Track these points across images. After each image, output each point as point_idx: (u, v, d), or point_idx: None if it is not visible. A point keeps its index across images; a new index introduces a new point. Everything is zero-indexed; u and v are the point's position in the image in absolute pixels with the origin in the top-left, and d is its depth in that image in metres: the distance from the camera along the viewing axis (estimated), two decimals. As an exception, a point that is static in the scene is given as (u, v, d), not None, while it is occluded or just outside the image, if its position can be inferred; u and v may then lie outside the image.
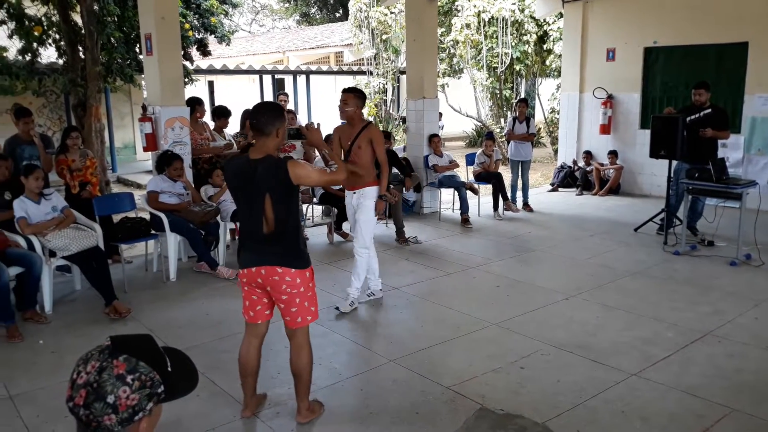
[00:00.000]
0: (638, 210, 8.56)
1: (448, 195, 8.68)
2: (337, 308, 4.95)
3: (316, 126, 3.79)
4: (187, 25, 10.18)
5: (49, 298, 5.02)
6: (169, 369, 1.29)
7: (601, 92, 10.18)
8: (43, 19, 9.87)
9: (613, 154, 10.00)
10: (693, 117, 6.79)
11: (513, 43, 14.09)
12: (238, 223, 6.31)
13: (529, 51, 14.29)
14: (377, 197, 4.92)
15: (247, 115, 7.64)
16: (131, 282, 5.68)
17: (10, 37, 9.91)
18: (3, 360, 4.15)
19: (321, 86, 18.73)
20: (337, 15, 31.75)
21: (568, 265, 6.28)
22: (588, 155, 10.39)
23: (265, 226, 3.06)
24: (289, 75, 18.14)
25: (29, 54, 9.92)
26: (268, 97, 17.47)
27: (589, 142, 10.59)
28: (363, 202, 4.91)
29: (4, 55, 9.48)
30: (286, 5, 34.63)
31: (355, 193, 4.96)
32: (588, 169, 10.27)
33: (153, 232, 5.84)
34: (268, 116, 3.04)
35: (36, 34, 9.57)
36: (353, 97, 4.76)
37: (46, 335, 4.57)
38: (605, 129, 10.19)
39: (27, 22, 9.58)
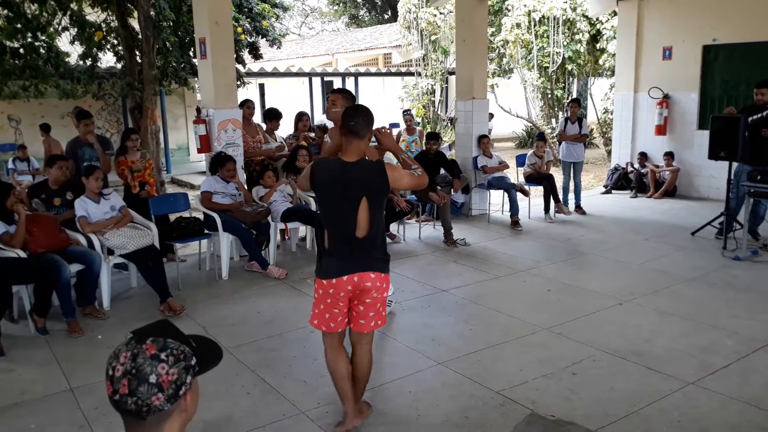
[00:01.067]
0: (695, 213, 8.28)
1: (497, 197, 8.58)
2: None
3: (388, 129, 3.66)
4: (239, 29, 10.39)
5: (107, 295, 5.19)
6: (193, 344, 1.33)
7: (657, 92, 9.90)
8: (102, 24, 10.23)
9: (669, 155, 9.71)
10: (755, 117, 6.54)
11: (564, 43, 13.86)
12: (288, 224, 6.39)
13: (582, 50, 14.03)
14: None
15: (300, 117, 7.75)
16: (185, 280, 5.82)
17: (72, 42, 10.31)
18: (64, 353, 4.31)
19: (369, 88, 18.82)
20: (386, 17, 31.85)
21: (621, 270, 6.13)
22: (643, 157, 10.11)
23: (359, 230, 2.99)
24: (338, 77, 18.29)
25: (90, 59, 10.29)
26: (318, 99, 17.67)
27: (644, 143, 10.31)
28: None
29: (66, 60, 9.84)
30: (335, 8, 34.94)
31: None
32: (643, 171, 10.00)
33: (206, 231, 5.97)
34: (365, 119, 2.99)
35: (97, 39, 9.91)
36: (342, 98, 4.41)
37: (104, 330, 4.72)
38: (661, 130, 9.90)
39: (88, 28, 9.94)
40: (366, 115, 3.02)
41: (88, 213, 5.15)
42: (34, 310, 4.63)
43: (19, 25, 8.86)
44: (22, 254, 4.63)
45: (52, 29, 9.62)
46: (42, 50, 9.32)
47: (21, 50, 9.13)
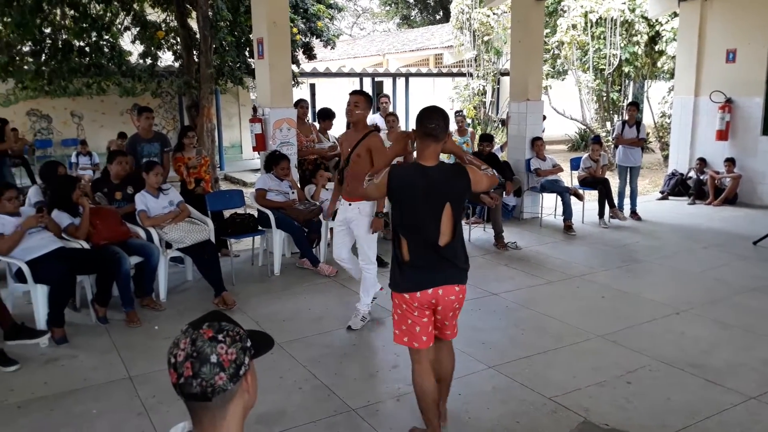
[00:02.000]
0: (757, 222, 7.98)
1: (550, 200, 8.45)
2: (349, 327, 4.66)
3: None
4: (294, 30, 10.53)
5: (164, 287, 5.33)
6: (245, 329, 1.38)
7: (719, 96, 9.57)
8: (162, 24, 10.54)
9: (730, 161, 9.38)
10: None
11: (622, 44, 13.54)
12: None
13: (639, 52, 13.67)
14: (374, 215, 4.55)
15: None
16: (238, 275, 5.93)
17: (133, 42, 10.66)
18: (123, 342, 4.45)
19: (420, 88, 18.79)
20: (437, 17, 31.76)
21: (679, 278, 5.95)
22: (702, 162, 9.79)
23: (442, 237, 2.83)
24: (388, 77, 18.33)
25: (150, 58, 10.61)
26: (368, 99, 17.72)
27: (704, 148, 9.99)
28: (359, 218, 4.54)
29: (128, 58, 10.18)
30: (387, 8, 35.03)
31: (351, 205, 4.55)
32: (702, 177, 9.69)
33: (260, 228, 6.07)
34: (444, 122, 2.85)
35: (157, 38, 10.21)
36: (363, 99, 4.44)
37: (160, 321, 4.86)
38: (722, 135, 9.57)
39: (149, 28, 10.26)
40: (445, 117, 2.87)
41: (147, 207, 5.31)
42: (95, 299, 4.80)
43: (85, 25, 9.20)
44: (86, 246, 4.81)
45: (115, 29, 9.97)
46: (106, 49, 9.65)
47: (87, 49, 9.48)
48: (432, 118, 2.83)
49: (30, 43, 9.06)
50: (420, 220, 2.81)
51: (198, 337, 1.29)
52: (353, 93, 4.53)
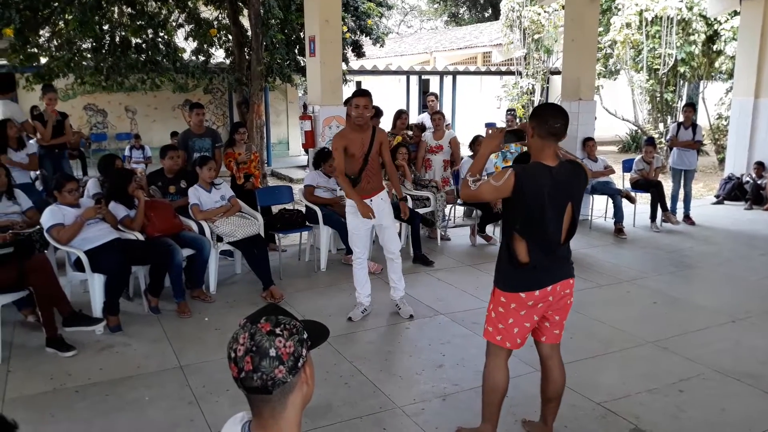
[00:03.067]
0: (820, 229, 7.66)
1: (600, 202, 8.28)
2: (411, 316, 4.83)
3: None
4: (344, 27, 10.58)
5: (214, 280, 5.44)
6: (301, 320, 1.40)
7: (781, 97, 9.22)
8: (215, 22, 10.74)
9: (791, 166, 9.03)
10: None
11: (678, 44, 13.16)
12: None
13: (696, 52, 13.27)
14: (401, 200, 4.92)
15: (399, 115, 7.79)
16: (285, 270, 6.01)
17: (186, 39, 10.89)
18: (174, 332, 4.56)
19: (467, 87, 18.67)
20: (486, 15, 31.48)
21: (735, 285, 5.76)
22: (760, 166, 9.45)
23: (563, 235, 2.83)
24: (435, 75, 18.27)
25: (202, 54, 10.83)
26: (414, 97, 17.73)
27: (763, 152, 9.64)
28: (385, 206, 4.69)
29: (181, 55, 10.41)
30: (435, 6, 34.91)
31: (372, 200, 4.62)
32: (760, 181, 9.35)
33: (307, 224, 6.13)
34: (567, 121, 2.79)
35: (211, 35, 10.41)
36: (370, 101, 4.47)
37: (210, 313, 4.96)
38: (783, 138, 9.22)
39: (203, 25, 10.47)
40: (567, 117, 2.81)
41: (200, 201, 5.42)
42: (148, 290, 4.93)
43: (141, 23, 9.45)
44: (140, 237, 4.94)
45: (170, 26, 10.21)
46: (161, 46, 9.90)
47: (143, 46, 9.74)
48: (557, 117, 2.75)
49: (90, 39, 9.35)
50: (546, 221, 2.74)
51: (256, 331, 1.31)
52: (362, 94, 4.44)
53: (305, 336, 1.37)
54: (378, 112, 7.30)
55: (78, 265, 4.66)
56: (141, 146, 11.92)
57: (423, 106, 13.34)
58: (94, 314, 4.61)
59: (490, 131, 2.97)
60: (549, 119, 2.74)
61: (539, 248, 2.79)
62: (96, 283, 4.62)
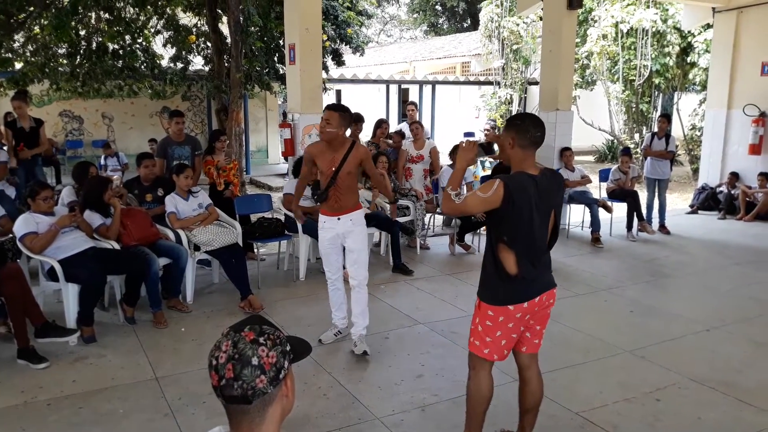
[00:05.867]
0: (791, 239, 7.82)
1: (578, 212, 8.36)
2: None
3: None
4: (324, 36, 10.60)
5: (191, 289, 5.37)
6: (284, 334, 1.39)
7: (753, 109, 9.41)
8: (194, 29, 10.69)
9: (763, 176, 9.20)
10: None
11: (653, 55, 13.38)
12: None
13: (671, 63, 13.51)
14: (391, 202, 4.56)
15: (380, 124, 7.80)
16: (264, 279, 5.96)
17: (165, 45, 10.82)
18: (150, 343, 4.49)
19: (446, 96, 18.77)
20: (465, 25, 31.73)
21: (709, 294, 5.84)
22: (733, 177, 9.63)
23: (546, 244, 2.87)
24: (414, 85, 18.35)
25: (181, 61, 10.76)
26: (394, 106, 17.79)
27: (736, 162, 9.82)
28: (354, 228, 4.28)
29: (159, 62, 10.34)
30: (415, 16, 35.10)
31: (340, 219, 4.25)
32: (733, 191, 9.52)
33: (287, 232, 6.09)
34: (545, 130, 2.82)
35: (189, 42, 10.36)
36: (338, 116, 4.07)
37: (187, 323, 4.89)
38: (755, 149, 9.41)
39: (182, 32, 10.41)
40: (544, 125, 2.83)
41: (177, 209, 5.37)
42: (124, 299, 4.85)
43: (119, 28, 9.37)
44: (116, 246, 4.87)
45: (147, 32, 10.13)
46: (139, 52, 9.81)
47: (120, 52, 9.65)
48: (538, 126, 2.76)
49: (66, 45, 9.24)
50: (532, 230, 2.75)
51: (240, 339, 1.30)
52: (327, 108, 4.18)
53: (288, 348, 1.36)
54: (359, 118, 7.32)
55: (51, 275, 4.57)
56: (114, 154, 11.71)
57: (402, 115, 13.39)
58: (68, 325, 4.52)
59: (463, 144, 2.96)
60: (530, 129, 2.75)
61: (527, 258, 2.77)
62: (70, 293, 4.54)
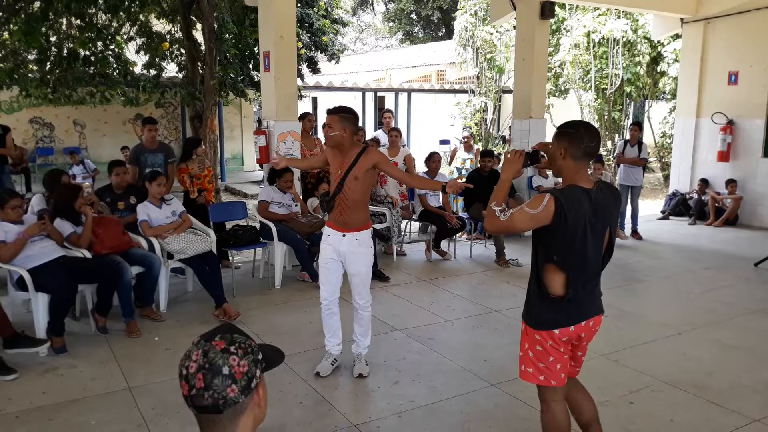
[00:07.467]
0: (758, 243, 7.99)
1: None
2: (360, 375, 4.09)
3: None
4: (299, 44, 10.59)
5: (165, 298, 5.31)
6: (256, 342, 1.38)
7: (721, 117, 9.63)
8: (167, 36, 10.60)
9: (732, 183, 9.41)
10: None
11: (624, 65, 13.62)
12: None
13: (641, 72, 13.76)
14: (443, 192, 4.14)
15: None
16: (238, 287, 5.91)
17: (138, 52, 10.71)
18: (122, 353, 4.42)
19: (422, 104, 18.88)
20: (440, 34, 31.98)
21: (680, 299, 5.94)
22: (703, 183, 9.83)
23: (600, 265, 2.64)
24: (390, 93, 18.42)
25: (154, 68, 10.66)
26: (370, 113, 17.83)
27: (705, 169, 10.03)
28: (359, 250, 3.92)
29: (132, 68, 10.23)
30: (390, 24, 35.27)
31: (345, 236, 3.90)
32: (703, 197, 9.71)
33: (262, 240, 6.06)
34: (600, 140, 2.60)
35: (162, 49, 10.27)
36: (338, 119, 3.78)
37: (161, 332, 4.83)
38: (723, 156, 9.62)
39: (155, 39, 10.32)
40: (600, 135, 2.61)
41: (149, 217, 5.30)
42: (96, 309, 4.77)
43: (90, 34, 9.25)
44: (88, 255, 4.79)
45: (120, 38, 10.02)
46: (111, 59, 9.70)
47: (92, 58, 9.52)
48: (594, 135, 2.53)
49: (35, 51, 9.09)
50: (588, 250, 2.52)
51: (210, 348, 1.28)
52: (328, 112, 3.90)
53: (260, 357, 1.34)
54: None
55: (21, 284, 4.47)
56: (80, 161, 11.51)
57: (378, 123, 13.44)
58: (38, 335, 4.43)
59: (508, 155, 2.76)
60: (585, 138, 2.51)
61: (581, 280, 2.56)
62: (39, 303, 4.44)
